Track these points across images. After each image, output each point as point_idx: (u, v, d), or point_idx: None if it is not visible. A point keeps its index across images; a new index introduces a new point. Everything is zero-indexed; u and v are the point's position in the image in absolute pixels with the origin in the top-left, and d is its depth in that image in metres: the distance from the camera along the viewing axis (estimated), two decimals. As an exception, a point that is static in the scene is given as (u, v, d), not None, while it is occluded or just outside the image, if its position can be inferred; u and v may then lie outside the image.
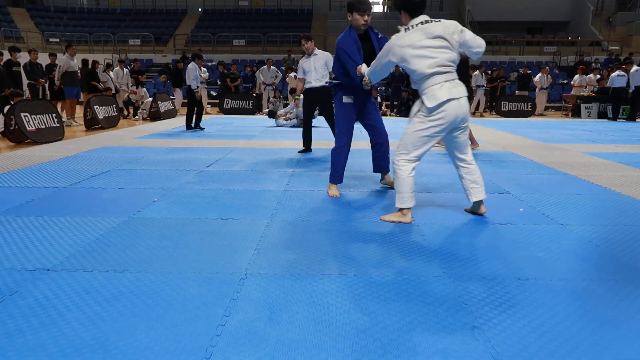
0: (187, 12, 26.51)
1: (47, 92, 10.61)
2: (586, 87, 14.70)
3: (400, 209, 3.24)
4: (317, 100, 6.18)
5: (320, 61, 6.05)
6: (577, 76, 15.13)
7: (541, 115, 14.98)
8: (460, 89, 3.10)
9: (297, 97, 6.38)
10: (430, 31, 3.11)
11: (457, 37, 3.09)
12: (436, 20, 3.18)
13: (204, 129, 9.37)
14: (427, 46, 3.07)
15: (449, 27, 3.11)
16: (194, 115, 9.28)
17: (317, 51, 6.13)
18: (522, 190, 4.19)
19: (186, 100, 9.51)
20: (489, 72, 15.20)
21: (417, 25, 3.16)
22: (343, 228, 3.08)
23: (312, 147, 6.46)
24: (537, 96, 15.05)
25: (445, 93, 3.04)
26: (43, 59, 10.81)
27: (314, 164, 5.48)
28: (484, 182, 3.40)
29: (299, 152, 6.40)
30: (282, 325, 1.84)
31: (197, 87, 9.08)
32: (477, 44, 3.10)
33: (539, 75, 14.90)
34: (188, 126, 9.25)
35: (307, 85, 6.13)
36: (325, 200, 3.82)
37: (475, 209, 3.44)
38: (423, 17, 3.19)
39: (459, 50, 3.12)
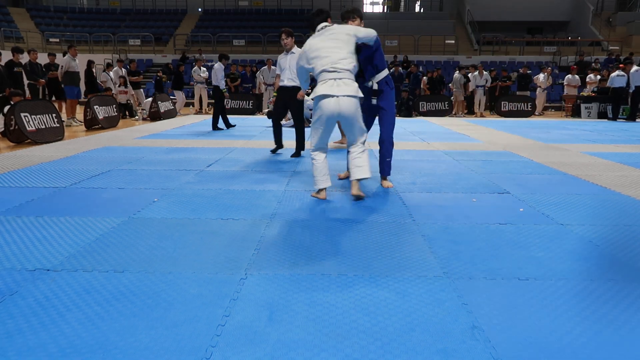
0: (187, 12, 26.52)
1: (47, 92, 10.61)
2: (576, 87, 14.73)
3: (319, 190, 3.77)
4: (287, 100, 6.03)
5: (296, 60, 6.00)
6: (568, 75, 15.14)
7: (539, 115, 15.02)
8: (344, 88, 3.42)
9: (274, 94, 6.30)
10: (328, 34, 3.56)
11: (353, 37, 3.54)
12: (337, 24, 3.65)
13: (234, 125, 9.66)
14: (322, 47, 3.51)
15: (345, 29, 3.58)
16: (219, 116, 9.31)
17: (295, 49, 5.94)
18: (522, 190, 4.19)
19: (187, 101, 9.51)
20: (488, 72, 15.18)
21: (318, 30, 3.65)
22: (343, 228, 3.08)
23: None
24: (537, 96, 15.08)
25: (325, 89, 3.42)
26: (43, 59, 10.81)
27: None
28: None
29: (271, 151, 6.33)
30: (282, 325, 1.84)
31: (225, 87, 9.18)
32: (369, 36, 3.61)
33: (542, 75, 14.92)
34: (214, 127, 9.23)
35: (280, 84, 6.01)
36: (325, 199, 3.82)
37: (352, 188, 3.80)
38: (325, 23, 3.67)
39: (361, 42, 3.60)
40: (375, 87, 4.08)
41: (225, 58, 9.33)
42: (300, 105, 6.09)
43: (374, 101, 4.13)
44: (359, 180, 3.74)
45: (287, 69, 5.92)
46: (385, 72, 4.10)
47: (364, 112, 3.96)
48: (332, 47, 3.48)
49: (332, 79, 3.43)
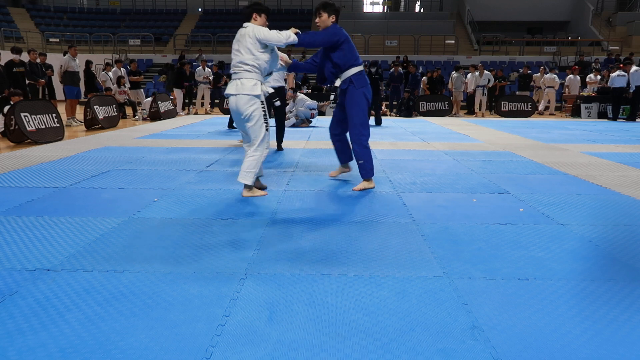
0: (187, 12, 26.51)
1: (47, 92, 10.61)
2: (585, 87, 14.76)
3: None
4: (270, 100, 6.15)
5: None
6: (570, 76, 15.16)
7: (551, 114, 15.11)
8: (240, 87, 3.64)
9: None
10: (238, 36, 3.72)
11: (252, 39, 3.61)
12: (251, 25, 3.71)
13: None
14: (234, 49, 3.72)
15: (248, 30, 3.66)
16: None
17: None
18: (522, 190, 4.19)
19: (187, 101, 9.51)
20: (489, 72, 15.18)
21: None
22: (343, 228, 3.08)
23: (314, 146, 6.46)
24: (549, 96, 15.17)
25: (227, 89, 3.72)
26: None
27: (314, 164, 5.48)
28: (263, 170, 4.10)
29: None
30: (282, 325, 1.84)
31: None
32: (267, 38, 3.61)
33: (549, 75, 15.05)
34: (230, 126, 9.25)
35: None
36: (325, 199, 3.82)
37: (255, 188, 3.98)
38: (245, 24, 3.75)
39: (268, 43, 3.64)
40: (338, 84, 4.11)
41: None
42: (285, 104, 6.33)
43: (339, 99, 4.15)
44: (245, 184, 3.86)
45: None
46: (352, 71, 4.03)
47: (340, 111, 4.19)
48: (237, 50, 3.69)
49: (234, 79, 3.70)
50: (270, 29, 3.66)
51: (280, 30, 3.72)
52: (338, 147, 4.49)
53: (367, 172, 4.16)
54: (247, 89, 3.63)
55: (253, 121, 3.70)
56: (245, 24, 3.73)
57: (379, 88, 10.92)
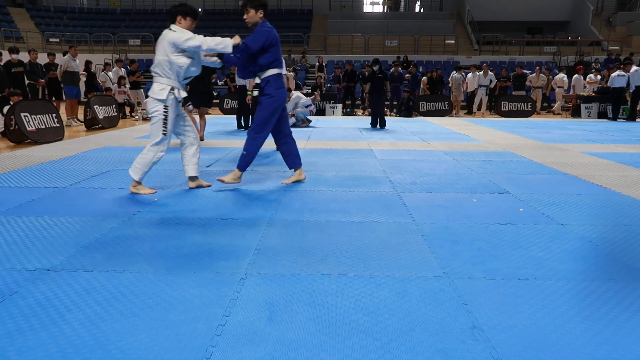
0: (187, 12, 26.47)
1: (47, 92, 10.61)
2: (585, 87, 14.78)
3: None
4: (243, 98, 6.18)
5: None
6: (575, 75, 15.19)
7: (558, 114, 15.21)
8: (151, 90, 3.81)
9: (249, 92, 6.33)
10: (160, 38, 3.79)
11: (168, 43, 3.68)
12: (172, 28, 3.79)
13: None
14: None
15: (165, 34, 3.74)
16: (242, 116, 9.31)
17: None
18: (522, 190, 4.19)
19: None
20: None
21: None
22: (343, 228, 3.08)
23: (314, 146, 6.45)
24: (557, 96, 15.31)
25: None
26: (43, 59, 10.81)
27: (314, 164, 5.48)
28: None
29: None
30: (282, 325, 1.84)
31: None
32: (176, 40, 3.65)
33: (560, 75, 15.17)
34: (239, 126, 9.24)
35: (239, 83, 6.14)
36: (326, 200, 3.82)
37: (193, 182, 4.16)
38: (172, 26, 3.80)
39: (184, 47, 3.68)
40: (257, 81, 4.17)
41: None
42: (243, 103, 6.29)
43: (255, 92, 4.18)
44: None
45: None
46: (272, 72, 4.02)
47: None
48: (157, 52, 3.80)
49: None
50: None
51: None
52: (285, 151, 4.39)
53: (242, 165, 4.17)
54: (154, 93, 3.78)
55: (153, 121, 3.84)
56: (171, 26, 3.77)
57: (383, 88, 10.17)
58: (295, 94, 10.28)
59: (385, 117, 10.32)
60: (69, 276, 2.28)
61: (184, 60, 3.74)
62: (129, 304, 2.00)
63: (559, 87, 15.28)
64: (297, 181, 4.44)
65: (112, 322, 1.85)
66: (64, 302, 2.01)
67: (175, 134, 4.04)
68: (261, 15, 3.96)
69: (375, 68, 9.84)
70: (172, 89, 3.78)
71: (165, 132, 3.85)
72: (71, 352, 1.65)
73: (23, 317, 1.88)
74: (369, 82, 10.36)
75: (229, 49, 3.73)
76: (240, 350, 1.68)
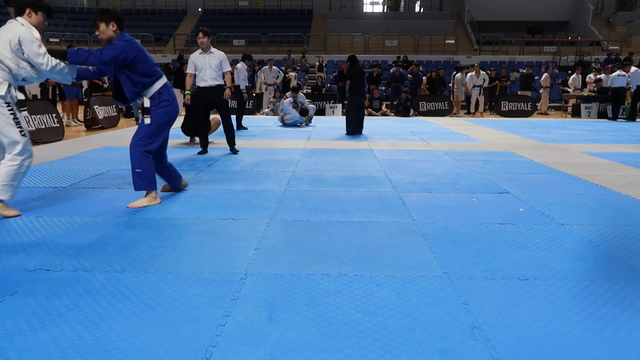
0: (187, 12, 26.48)
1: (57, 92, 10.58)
2: (581, 88, 14.80)
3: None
4: (213, 99, 5.99)
5: (216, 60, 5.88)
6: (574, 75, 15.19)
7: (545, 114, 15.13)
8: None
9: (187, 92, 6.16)
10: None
11: (15, 41, 3.19)
12: (18, 20, 3.29)
13: (246, 128, 9.29)
14: None
15: (15, 28, 3.22)
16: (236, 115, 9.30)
17: (212, 49, 5.94)
18: (522, 190, 4.19)
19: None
20: (488, 71, 15.17)
21: None
22: (343, 228, 3.08)
23: (314, 146, 6.45)
24: (542, 96, 15.24)
25: None
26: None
27: (314, 164, 5.48)
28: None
29: (198, 153, 6.18)
30: (282, 325, 1.84)
31: (246, 87, 9.23)
32: (37, 60, 3.24)
33: (545, 74, 15.05)
34: (239, 126, 9.22)
35: (203, 84, 5.91)
36: (326, 199, 3.82)
37: None
38: (19, 18, 3.30)
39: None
40: (147, 104, 3.50)
41: (249, 59, 9.61)
42: (226, 103, 6.09)
43: (147, 120, 3.49)
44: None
45: (208, 68, 5.89)
46: (158, 85, 3.51)
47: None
48: None
49: None
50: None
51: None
52: (165, 175, 3.90)
53: (146, 183, 3.53)
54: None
55: (2, 129, 3.20)
56: (18, 18, 3.26)
57: (363, 89, 8.94)
58: (300, 95, 10.31)
59: (385, 117, 10.25)
60: (69, 276, 2.28)
61: (25, 65, 3.26)
62: (129, 304, 2.00)
63: (545, 87, 15.39)
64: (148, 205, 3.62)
65: (112, 322, 1.85)
66: (64, 302, 2.01)
67: None
68: (114, 29, 3.37)
69: (349, 64, 8.70)
70: (10, 86, 3.23)
71: (23, 133, 3.27)
72: (71, 352, 1.65)
73: (23, 317, 1.88)
74: (348, 80, 9.01)
75: (68, 82, 3.49)
76: (240, 350, 1.68)
